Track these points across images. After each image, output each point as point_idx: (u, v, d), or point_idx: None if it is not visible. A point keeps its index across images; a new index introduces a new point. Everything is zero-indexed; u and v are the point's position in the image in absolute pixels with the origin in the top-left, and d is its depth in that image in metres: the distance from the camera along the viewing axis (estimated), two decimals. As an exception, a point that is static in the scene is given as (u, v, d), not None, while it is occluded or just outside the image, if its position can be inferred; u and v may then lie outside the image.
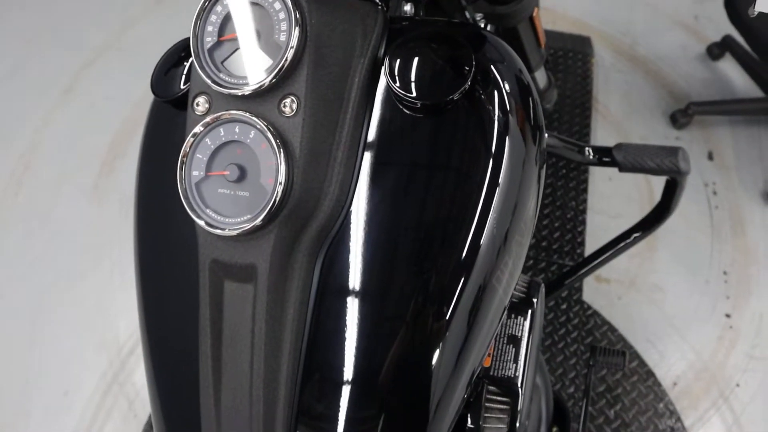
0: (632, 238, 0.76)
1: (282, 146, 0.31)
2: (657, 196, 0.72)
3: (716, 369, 1.16)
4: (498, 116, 0.35)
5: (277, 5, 0.31)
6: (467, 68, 0.34)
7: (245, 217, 0.31)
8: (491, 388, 0.46)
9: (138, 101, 1.60)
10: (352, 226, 0.35)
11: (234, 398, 0.33)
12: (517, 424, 0.46)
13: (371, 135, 0.36)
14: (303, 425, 0.34)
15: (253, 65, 0.31)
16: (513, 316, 0.49)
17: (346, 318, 0.34)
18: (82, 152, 1.52)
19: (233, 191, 0.32)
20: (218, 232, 0.31)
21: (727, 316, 1.23)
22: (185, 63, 0.39)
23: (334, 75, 0.33)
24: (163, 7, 1.83)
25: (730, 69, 1.61)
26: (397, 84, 0.34)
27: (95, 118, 1.60)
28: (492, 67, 0.36)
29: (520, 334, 0.48)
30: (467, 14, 0.60)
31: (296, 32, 0.30)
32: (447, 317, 0.33)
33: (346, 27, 0.34)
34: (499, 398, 0.46)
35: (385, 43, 0.37)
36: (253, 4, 0.32)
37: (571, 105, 1.50)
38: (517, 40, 0.64)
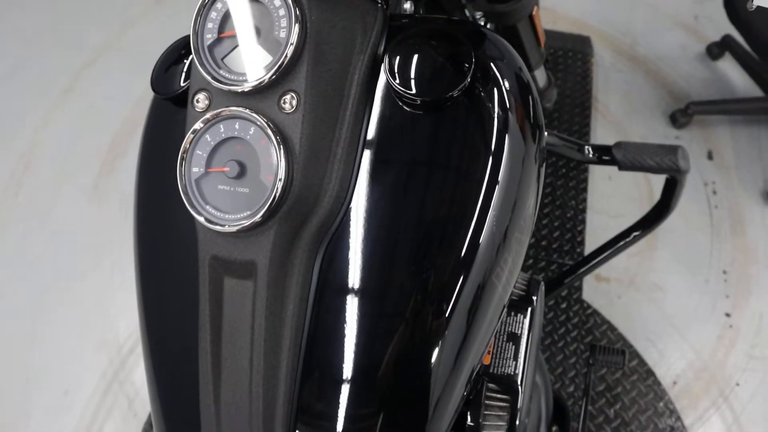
0: (632, 236, 0.76)
1: (282, 143, 0.31)
2: (657, 196, 0.72)
3: (716, 368, 1.16)
4: (498, 114, 0.35)
5: (277, 2, 0.31)
6: (467, 65, 0.34)
7: (245, 214, 0.31)
8: (491, 385, 0.46)
9: (138, 101, 1.60)
10: (352, 223, 0.35)
11: (233, 395, 0.33)
12: (517, 422, 0.46)
13: (371, 132, 0.36)
14: (302, 422, 0.34)
15: (253, 62, 0.31)
16: (513, 313, 0.49)
17: (346, 314, 0.34)
18: (82, 152, 1.52)
19: (233, 188, 0.32)
20: (218, 228, 0.31)
21: (727, 315, 1.23)
22: (185, 60, 0.39)
23: (334, 72, 0.33)
24: (163, 7, 1.83)
25: (729, 68, 1.61)
26: (397, 81, 0.34)
27: (95, 118, 1.60)
28: (492, 64, 0.36)
29: (519, 332, 0.48)
30: (467, 12, 0.60)
31: (296, 29, 0.30)
32: (446, 314, 0.33)
33: (345, 24, 0.34)
34: (498, 396, 0.46)
35: (385, 40, 0.37)
36: (253, 1, 0.32)
37: (570, 104, 1.51)
38: (516, 38, 0.64)
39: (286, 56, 0.30)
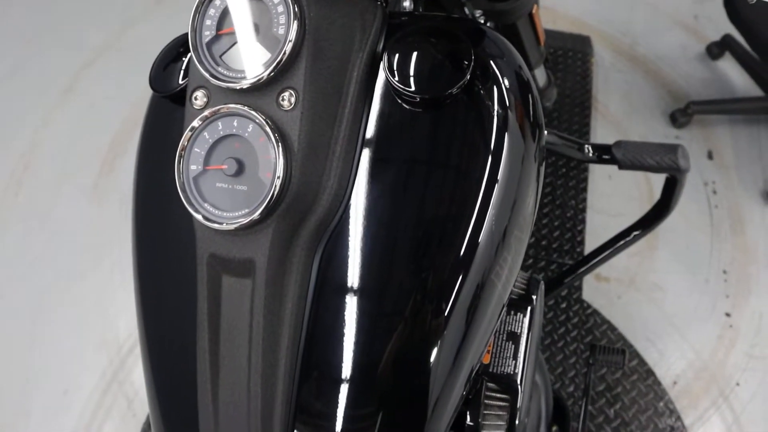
0: (632, 236, 0.76)
1: (280, 140, 0.31)
2: (657, 195, 0.71)
3: (716, 368, 1.16)
4: (497, 112, 0.35)
5: None
6: (466, 63, 0.34)
7: (243, 211, 0.31)
8: (490, 385, 0.46)
9: (138, 101, 1.60)
10: (351, 221, 0.35)
11: (232, 393, 0.33)
12: (516, 422, 0.45)
13: (370, 129, 0.35)
14: (301, 421, 0.34)
15: (251, 59, 0.31)
16: (512, 312, 0.49)
17: (345, 313, 0.34)
18: (81, 152, 1.52)
19: (231, 185, 0.32)
20: (216, 226, 0.31)
21: (727, 315, 1.23)
22: (184, 58, 0.39)
23: (333, 69, 0.33)
24: (163, 7, 1.83)
25: (729, 68, 1.61)
26: (396, 78, 0.34)
27: (95, 117, 1.60)
28: (491, 62, 0.36)
29: (519, 331, 0.48)
30: (466, 10, 0.60)
31: (294, 25, 0.30)
32: (445, 313, 0.33)
33: (344, 21, 0.34)
34: (498, 395, 0.46)
35: (384, 38, 0.37)
36: None
37: (570, 104, 1.51)
38: (516, 37, 0.64)
39: (284, 53, 0.30)
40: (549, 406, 0.71)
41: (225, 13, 0.32)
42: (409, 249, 0.34)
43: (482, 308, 0.35)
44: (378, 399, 0.34)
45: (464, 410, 0.45)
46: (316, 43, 0.31)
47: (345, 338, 0.34)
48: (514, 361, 0.47)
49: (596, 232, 1.31)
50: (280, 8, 0.31)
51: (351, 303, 0.34)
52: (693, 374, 1.15)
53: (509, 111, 0.35)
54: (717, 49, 1.61)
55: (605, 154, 0.63)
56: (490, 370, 0.46)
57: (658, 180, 0.70)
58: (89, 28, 1.78)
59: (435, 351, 0.33)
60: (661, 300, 1.24)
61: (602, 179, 1.41)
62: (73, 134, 1.57)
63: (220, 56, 0.32)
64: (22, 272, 1.33)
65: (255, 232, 0.31)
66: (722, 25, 1.47)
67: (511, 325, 0.48)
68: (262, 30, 0.31)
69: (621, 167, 0.63)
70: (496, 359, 0.47)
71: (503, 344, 0.48)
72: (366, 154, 0.35)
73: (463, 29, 0.37)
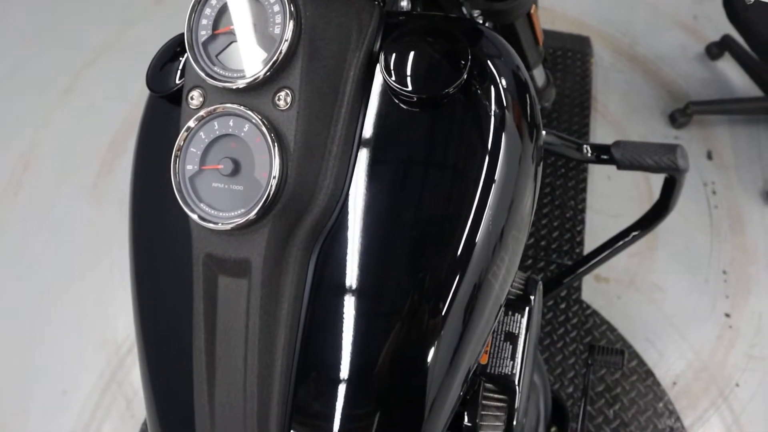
0: (631, 236, 0.76)
1: (276, 140, 0.30)
2: (656, 196, 0.71)
3: (715, 368, 1.16)
4: (494, 111, 0.35)
5: None
6: (463, 62, 0.34)
7: (239, 211, 0.31)
8: (488, 385, 0.46)
9: (137, 101, 1.60)
10: (347, 221, 0.34)
11: (228, 394, 0.33)
12: (514, 422, 0.45)
13: (367, 129, 0.35)
14: (297, 421, 0.34)
15: (247, 58, 0.31)
16: (510, 313, 0.49)
17: (341, 313, 0.34)
18: (81, 152, 1.52)
19: (227, 185, 0.31)
20: (211, 226, 0.31)
21: (727, 315, 1.22)
22: (181, 58, 0.39)
23: (329, 68, 0.33)
24: (163, 7, 1.83)
25: (729, 68, 1.61)
26: (393, 78, 0.34)
27: (95, 117, 1.60)
28: (488, 62, 0.36)
29: (517, 332, 0.48)
30: (464, 10, 0.60)
31: (291, 25, 0.30)
32: (442, 313, 0.33)
33: (341, 20, 0.34)
34: (496, 396, 0.46)
35: (381, 37, 0.37)
36: None
37: (570, 104, 1.50)
38: (514, 37, 0.64)
39: (280, 53, 0.30)
40: (548, 407, 0.71)
41: (221, 13, 0.32)
42: (406, 249, 0.34)
43: (479, 308, 0.35)
44: (375, 399, 0.34)
45: (462, 410, 0.45)
46: (312, 42, 0.31)
47: (341, 338, 0.34)
48: (511, 362, 0.47)
49: (595, 233, 1.31)
50: (276, 8, 0.31)
51: (347, 303, 0.34)
52: (692, 375, 1.15)
53: (506, 111, 0.35)
54: (716, 49, 1.61)
55: (604, 154, 0.63)
56: (488, 370, 0.46)
57: (658, 180, 0.70)
58: (89, 28, 1.78)
59: (432, 351, 0.33)
60: (660, 300, 1.24)
61: (601, 180, 1.41)
62: (73, 134, 1.57)
63: (216, 56, 0.32)
64: (22, 272, 1.33)
65: (251, 232, 0.31)
66: (722, 26, 1.47)
67: (509, 325, 0.48)
68: (258, 29, 0.31)
69: (620, 167, 0.63)
70: (494, 360, 0.47)
71: (501, 344, 0.47)
72: (362, 154, 0.35)
73: (460, 29, 0.37)
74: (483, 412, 0.45)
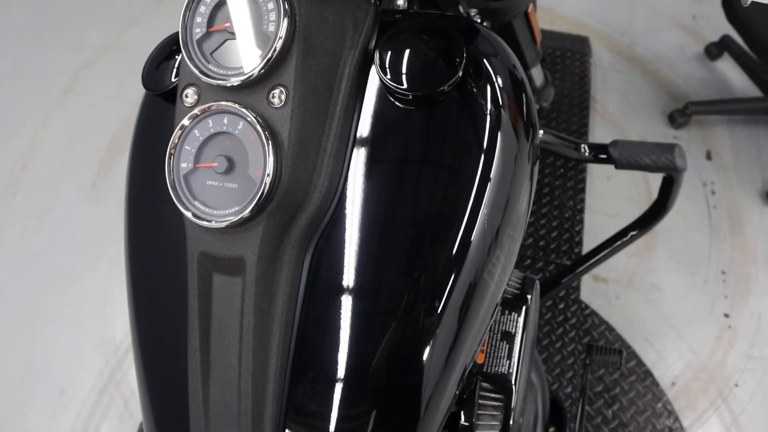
0: (629, 236, 0.76)
1: (270, 137, 0.30)
2: (655, 196, 0.71)
3: (714, 369, 1.16)
4: (490, 110, 0.35)
5: None
6: (458, 60, 0.34)
7: (233, 209, 0.31)
8: (485, 384, 0.46)
9: (137, 101, 1.60)
10: (342, 219, 0.34)
11: (222, 392, 0.33)
12: (511, 422, 0.45)
13: (362, 126, 0.35)
14: (292, 420, 0.34)
15: (241, 56, 0.31)
16: (507, 312, 0.49)
17: (336, 312, 0.34)
18: (81, 152, 1.52)
19: (222, 183, 0.31)
20: (205, 224, 0.31)
21: (726, 315, 1.22)
22: (177, 56, 0.39)
23: (324, 66, 0.33)
24: (162, 7, 1.83)
25: (728, 69, 1.61)
26: (388, 76, 0.34)
27: (95, 118, 1.60)
28: (484, 60, 0.36)
29: (513, 331, 0.48)
30: (461, 9, 0.59)
31: (285, 23, 0.30)
32: (438, 312, 0.33)
33: (336, 18, 0.33)
34: (492, 395, 0.46)
35: (377, 35, 0.37)
36: None
37: (569, 105, 1.50)
38: (512, 36, 0.64)
39: (274, 50, 0.30)
40: (546, 407, 0.71)
41: (215, 11, 0.32)
42: (401, 247, 0.34)
43: (475, 307, 0.35)
44: (370, 398, 0.33)
45: (458, 410, 0.45)
46: (307, 40, 0.31)
47: (336, 337, 0.33)
48: (508, 361, 0.47)
49: (594, 233, 1.31)
50: (270, 5, 0.31)
51: (342, 301, 0.34)
52: (691, 375, 1.15)
53: (502, 109, 0.35)
54: (715, 49, 1.61)
55: (602, 153, 0.63)
56: (484, 369, 0.46)
57: (657, 181, 0.69)
58: (89, 28, 1.79)
59: (427, 349, 0.33)
60: (659, 300, 1.24)
61: (600, 180, 1.40)
62: (73, 134, 1.57)
63: (211, 54, 0.32)
64: (21, 272, 1.33)
65: (245, 230, 0.31)
66: (721, 26, 1.47)
67: (506, 324, 0.48)
68: (253, 27, 0.31)
69: (617, 167, 0.63)
70: (491, 359, 0.47)
71: (498, 344, 0.47)
72: (357, 152, 0.35)
73: (455, 27, 0.37)
74: (479, 412, 0.45)
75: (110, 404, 1.15)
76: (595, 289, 1.24)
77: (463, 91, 0.35)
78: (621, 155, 0.61)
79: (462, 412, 0.44)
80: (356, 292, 0.34)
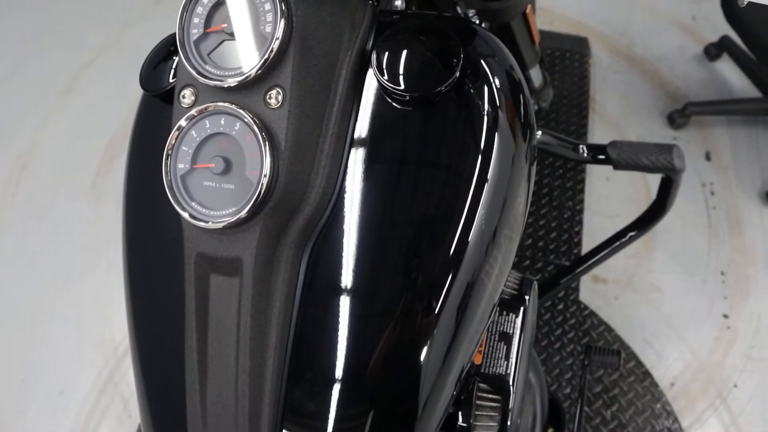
0: (628, 236, 0.76)
1: (267, 138, 0.30)
2: (654, 197, 0.71)
3: (714, 369, 1.16)
4: (487, 111, 0.35)
5: None
6: (455, 61, 0.34)
7: (230, 210, 0.31)
8: (482, 385, 0.46)
9: (136, 101, 1.60)
10: (339, 220, 0.34)
11: (219, 393, 0.33)
12: (509, 422, 0.45)
13: (359, 127, 0.35)
14: (289, 421, 0.34)
15: (238, 57, 0.31)
16: (505, 313, 0.49)
17: (333, 312, 0.34)
18: (80, 152, 1.52)
19: (219, 184, 0.31)
20: (202, 224, 0.31)
21: (725, 316, 1.22)
22: (174, 57, 0.39)
23: (321, 67, 0.33)
24: (162, 7, 1.83)
25: (727, 69, 1.61)
26: (385, 77, 0.34)
27: (94, 118, 1.60)
28: (482, 61, 0.36)
29: (511, 332, 0.48)
30: (459, 10, 0.60)
31: (282, 24, 0.30)
32: (435, 312, 0.33)
33: (333, 19, 0.34)
34: (490, 396, 0.46)
35: (374, 36, 0.37)
36: None
37: (568, 105, 1.50)
38: (510, 37, 0.64)
39: (271, 51, 0.30)
40: (544, 408, 0.71)
41: (213, 12, 0.32)
42: (398, 248, 0.34)
43: (472, 307, 0.35)
44: (367, 398, 0.33)
45: (456, 410, 0.45)
46: (304, 41, 0.31)
47: (333, 337, 0.33)
48: (506, 362, 0.47)
49: (593, 234, 1.31)
50: (267, 6, 0.31)
51: (339, 302, 0.34)
52: (690, 376, 1.15)
53: (499, 110, 0.35)
54: (715, 50, 1.61)
55: (600, 154, 0.63)
56: (482, 370, 0.46)
57: (656, 182, 0.70)
58: (89, 28, 1.79)
59: (424, 350, 0.33)
60: (658, 301, 1.24)
61: (599, 181, 1.40)
62: (72, 134, 1.57)
63: (208, 54, 0.32)
64: (20, 272, 1.33)
65: (242, 230, 0.31)
66: (720, 26, 1.47)
67: (504, 325, 0.48)
68: (250, 28, 0.31)
69: (616, 167, 0.63)
70: (488, 359, 0.47)
71: (495, 344, 0.47)
72: (355, 153, 0.35)
73: (453, 28, 0.37)
74: (477, 412, 0.45)
75: (109, 405, 1.15)
76: (594, 290, 1.24)
77: (460, 92, 0.35)
78: (619, 156, 0.61)
79: (460, 413, 0.45)
80: (353, 292, 0.34)
